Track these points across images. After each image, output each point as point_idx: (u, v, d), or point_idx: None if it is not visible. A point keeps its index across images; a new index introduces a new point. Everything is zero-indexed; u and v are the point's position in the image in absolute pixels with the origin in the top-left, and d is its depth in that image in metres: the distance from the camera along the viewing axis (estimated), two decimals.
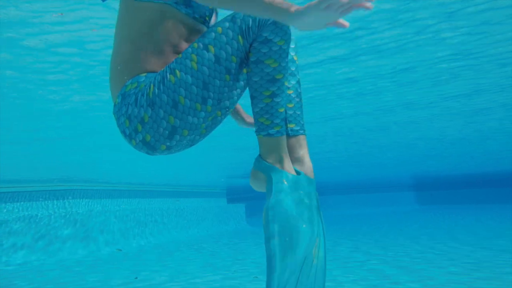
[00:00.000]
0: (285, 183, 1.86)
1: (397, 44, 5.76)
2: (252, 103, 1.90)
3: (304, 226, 1.82)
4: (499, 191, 30.57)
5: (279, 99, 1.87)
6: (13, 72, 5.64)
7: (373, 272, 6.69)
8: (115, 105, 1.96)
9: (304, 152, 2.00)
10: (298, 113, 2.00)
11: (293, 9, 1.61)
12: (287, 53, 1.86)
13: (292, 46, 2.02)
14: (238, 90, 1.93)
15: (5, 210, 10.38)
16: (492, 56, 6.35)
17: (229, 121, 2.50)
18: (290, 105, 2.00)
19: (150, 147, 1.91)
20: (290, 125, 2.00)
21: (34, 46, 4.94)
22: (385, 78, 7.24)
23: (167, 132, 1.86)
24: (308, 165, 1.99)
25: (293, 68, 1.98)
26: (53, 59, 5.34)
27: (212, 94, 1.82)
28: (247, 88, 1.95)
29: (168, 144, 1.90)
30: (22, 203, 10.80)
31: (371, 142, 13.54)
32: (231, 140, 10.40)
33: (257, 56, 1.83)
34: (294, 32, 1.95)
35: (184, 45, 1.93)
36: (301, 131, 2.00)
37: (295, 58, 2.02)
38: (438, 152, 16.75)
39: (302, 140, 2.01)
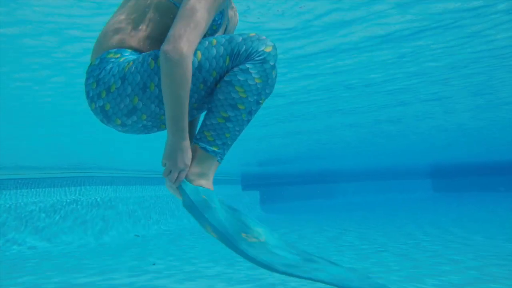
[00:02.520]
0: (197, 194, 1.94)
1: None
2: (206, 114, 1.97)
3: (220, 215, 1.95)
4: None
5: (231, 125, 1.94)
6: None
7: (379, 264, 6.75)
8: (90, 65, 2.02)
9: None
10: (229, 143, 2.02)
11: (179, 133, 1.84)
12: (259, 93, 1.92)
13: (267, 91, 1.99)
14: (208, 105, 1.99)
15: (17, 195, 10.61)
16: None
17: None
18: (227, 135, 2.01)
19: (106, 116, 1.97)
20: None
21: None
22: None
23: (126, 109, 1.91)
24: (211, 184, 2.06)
25: (254, 108, 1.98)
26: None
27: None
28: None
29: (124, 120, 1.95)
30: (33, 189, 11.01)
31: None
32: (246, 130, 10.44)
33: (231, 78, 1.88)
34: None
35: None
36: (219, 159, 2.05)
37: (261, 102, 2.01)
38: (454, 141, 16.60)
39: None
